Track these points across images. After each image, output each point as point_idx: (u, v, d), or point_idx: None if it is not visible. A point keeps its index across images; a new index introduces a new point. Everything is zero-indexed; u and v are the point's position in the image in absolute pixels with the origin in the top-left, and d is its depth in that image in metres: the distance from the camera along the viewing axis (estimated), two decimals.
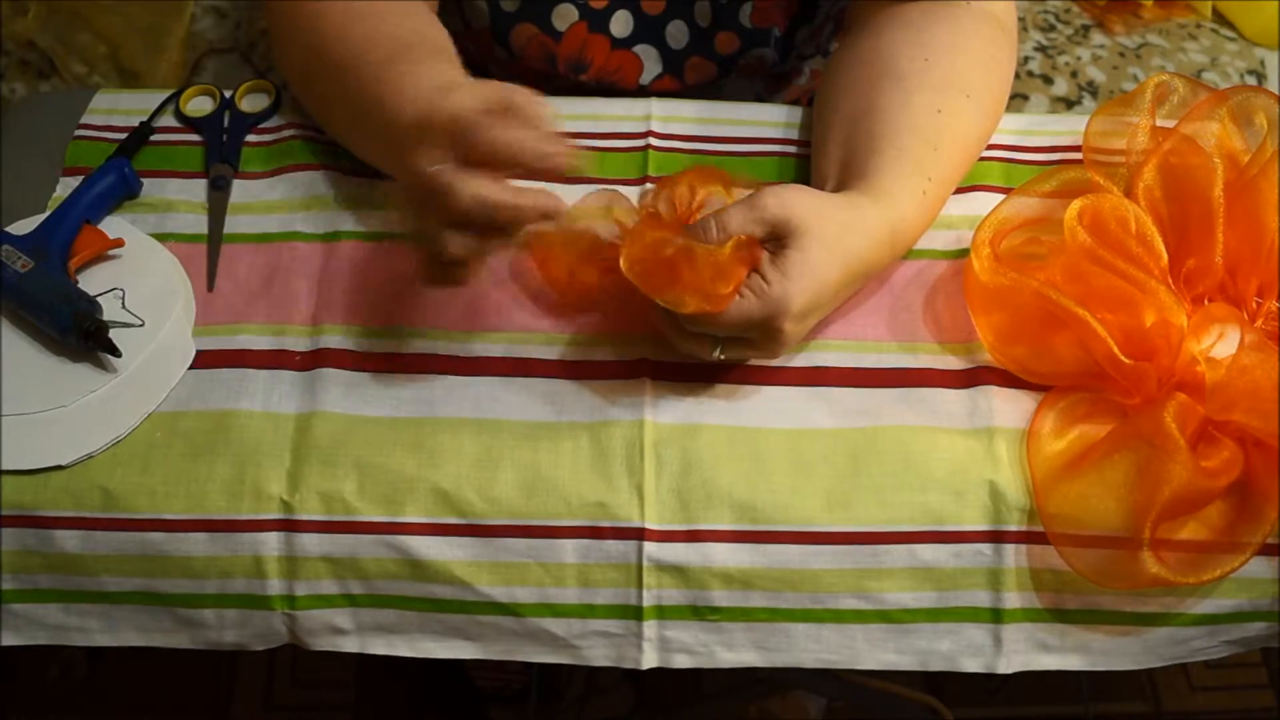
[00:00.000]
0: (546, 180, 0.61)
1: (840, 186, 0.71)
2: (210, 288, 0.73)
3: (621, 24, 0.86)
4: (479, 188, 0.59)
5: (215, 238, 0.75)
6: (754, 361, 0.70)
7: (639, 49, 0.87)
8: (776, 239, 0.65)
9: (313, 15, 0.76)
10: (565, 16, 0.85)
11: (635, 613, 0.66)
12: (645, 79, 0.88)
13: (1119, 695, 1.30)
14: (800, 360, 0.71)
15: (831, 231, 0.65)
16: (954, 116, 0.73)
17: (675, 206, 0.71)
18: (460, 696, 1.26)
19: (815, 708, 1.24)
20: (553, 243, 0.70)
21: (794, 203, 0.64)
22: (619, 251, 0.64)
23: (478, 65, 0.93)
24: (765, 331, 0.64)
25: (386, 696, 1.29)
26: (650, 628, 0.66)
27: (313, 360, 0.70)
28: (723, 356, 0.67)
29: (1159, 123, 0.76)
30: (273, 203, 0.77)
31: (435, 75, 0.68)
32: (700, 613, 0.66)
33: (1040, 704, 1.26)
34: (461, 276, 0.64)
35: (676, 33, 0.87)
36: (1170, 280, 0.69)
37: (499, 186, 0.60)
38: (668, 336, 0.67)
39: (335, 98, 0.75)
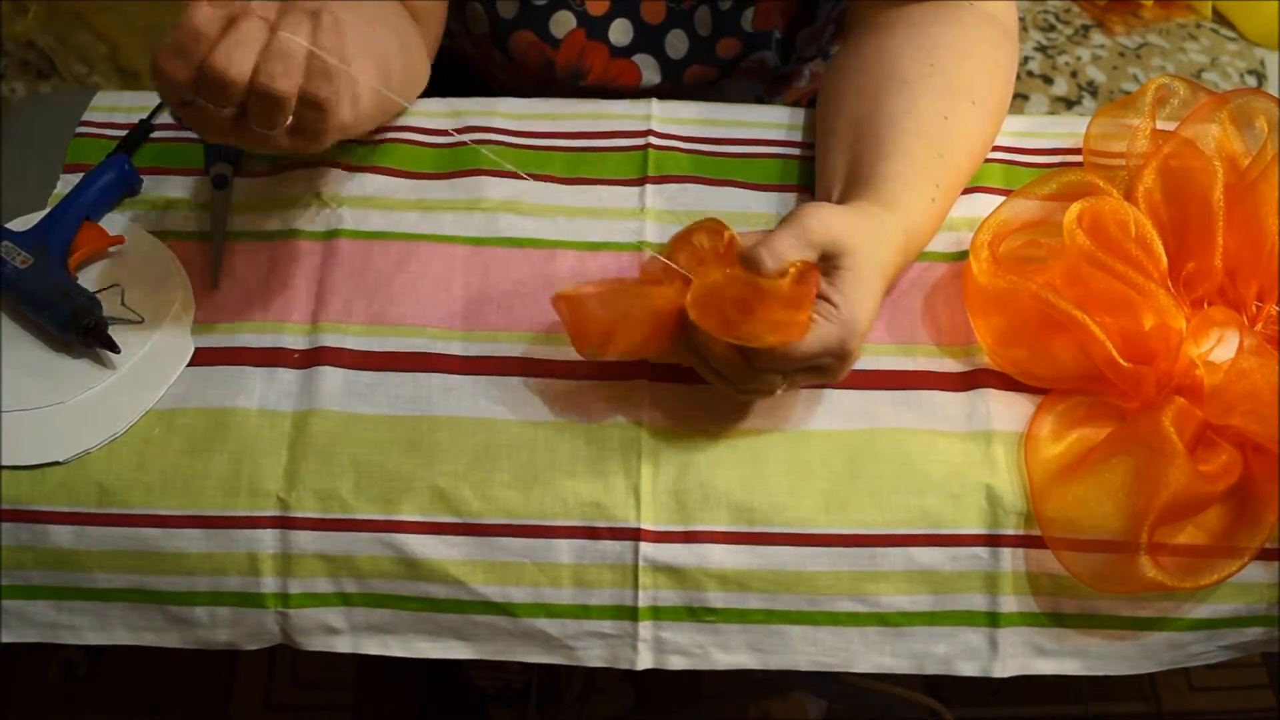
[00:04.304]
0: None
1: (848, 191, 0.71)
2: (215, 285, 0.73)
3: (620, 32, 0.86)
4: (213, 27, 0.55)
5: (218, 236, 0.75)
6: None
7: (638, 58, 0.87)
8: (825, 260, 0.64)
9: None
10: (563, 24, 0.84)
11: (631, 614, 0.66)
12: (644, 86, 0.88)
13: (1119, 695, 1.30)
14: None
15: (870, 246, 0.65)
16: (960, 123, 0.73)
17: (705, 248, 0.66)
18: (460, 696, 1.25)
19: (815, 709, 1.24)
20: (587, 302, 0.65)
21: (834, 222, 0.64)
22: (664, 298, 0.62)
23: (478, 67, 0.92)
24: (838, 354, 0.63)
25: (386, 696, 1.29)
26: (645, 629, 0.66)
27: (311, 358, 0.70)
28: (787, 390, 0.65)
29: (1159, 125, 0.76)
30: (273, 201, 0.77)
31: None
32: (696, 614, 0.66)
33: (1040, 704, 1.26)
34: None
35: (676, 42, 0.86)
36: (1170, 284, 0.69)
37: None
38: (732, 381, 0.64)
39: None
